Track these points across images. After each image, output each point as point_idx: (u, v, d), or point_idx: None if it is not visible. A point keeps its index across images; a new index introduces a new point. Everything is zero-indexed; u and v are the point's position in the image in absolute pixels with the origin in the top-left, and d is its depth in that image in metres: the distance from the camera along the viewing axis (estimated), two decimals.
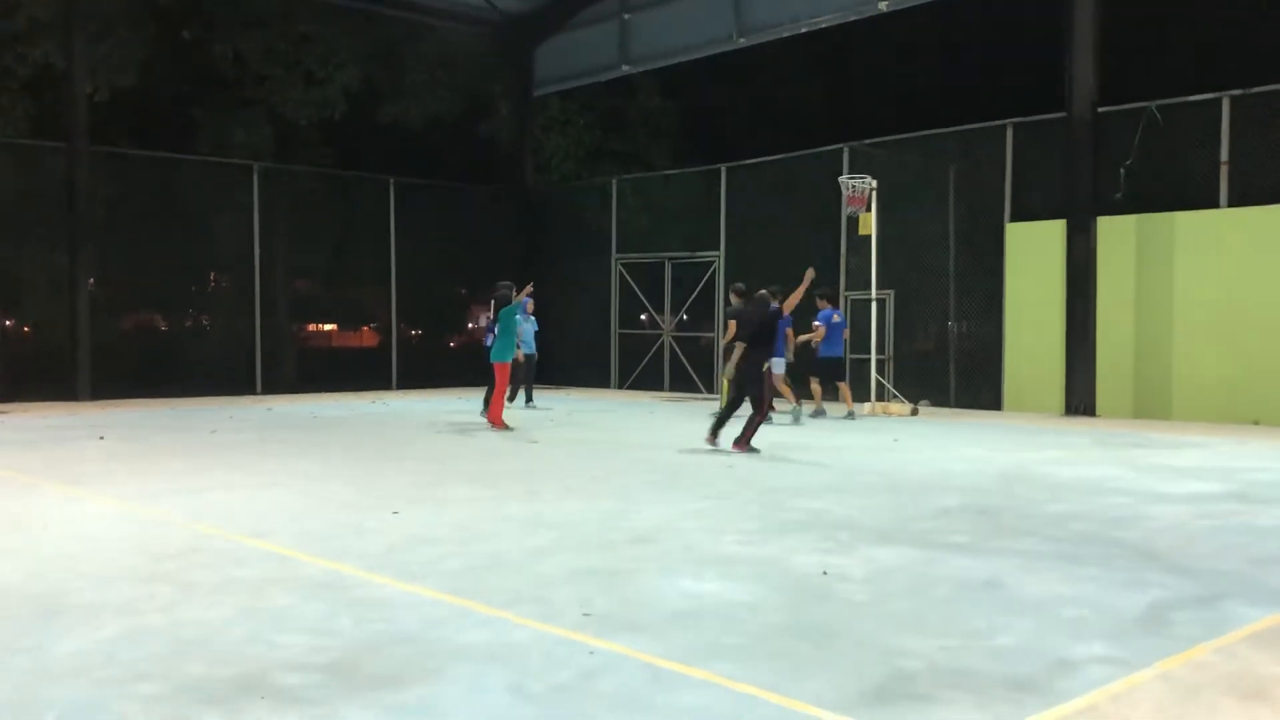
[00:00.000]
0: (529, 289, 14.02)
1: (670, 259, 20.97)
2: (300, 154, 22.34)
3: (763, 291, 11.21)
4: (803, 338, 15.04)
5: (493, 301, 13.56)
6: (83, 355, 17.47)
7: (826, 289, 15.41)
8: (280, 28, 21.25)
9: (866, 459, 10.60)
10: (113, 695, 3.85)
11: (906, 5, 17.20)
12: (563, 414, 15.68)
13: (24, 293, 18.45)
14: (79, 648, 4.39)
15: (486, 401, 13.89)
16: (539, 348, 17.13)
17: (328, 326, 25.33)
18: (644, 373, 21.44)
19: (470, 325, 25.28)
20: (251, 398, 18.74)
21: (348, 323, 25.43)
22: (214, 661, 4.21)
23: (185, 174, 19.88)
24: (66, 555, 6.13)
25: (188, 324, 21.50)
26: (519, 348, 14.70)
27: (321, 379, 20.82)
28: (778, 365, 13.98)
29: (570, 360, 22.67)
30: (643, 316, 22.06)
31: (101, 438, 12.18)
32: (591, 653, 4.31)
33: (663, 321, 21.24)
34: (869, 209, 15.57)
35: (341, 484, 8.80)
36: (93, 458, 10.47)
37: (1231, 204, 14.25)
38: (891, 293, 17.21)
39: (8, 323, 19.13)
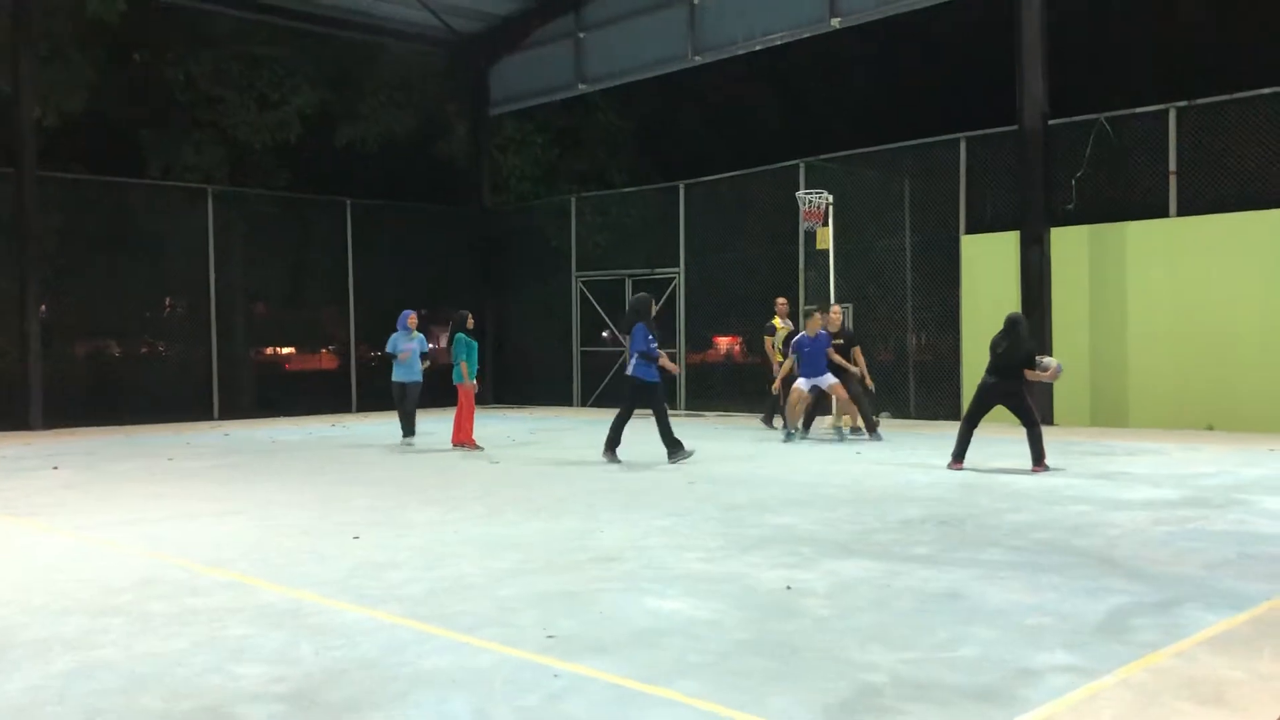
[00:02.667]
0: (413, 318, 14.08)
1: (630, 276, 20.98)
2: (255, 177, 22.13)
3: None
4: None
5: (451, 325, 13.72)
6: (35, 384, 17.15)
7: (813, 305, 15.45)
8: (232, 50, 21.09)
9: (828, 472, 10.64)
10: None
11: (859, 22, 17.37)
12: (525, 433, 15.62)
13: None
14: (29, 684, 4.29)
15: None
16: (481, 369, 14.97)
17: (285, 350, 25.03)
18: (606, 391, 21.40)
19: (431, 346, 25.10)
20: (209, 423, 18.50)
21: (306, 346, 25.14)
22: (171, 695, 4.13)
23: (138, 198, 19.62)
24: (17, 588, 6.00)
25: (143, 350, 21.17)
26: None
27: (280, 403, 20.58)
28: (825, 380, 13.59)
29: (532, 379, 22.61)
30: (604, 334, 22.04)
31: (55, 467, 11.96)
32: (556, 675, 4.28)
33: (624, 339, 21.21)
34: (826, 223, 15.68)
35: (301, 509, 8.70)
36: (46, 488, 10.28)
37: (1181, 213, 14.49)
38: (850, 306, 17.32)
39: None
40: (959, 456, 10.70)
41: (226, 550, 7.01)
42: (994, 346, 10.53)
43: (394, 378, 14.07)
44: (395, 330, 14.20)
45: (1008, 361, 10.41)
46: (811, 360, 13.54)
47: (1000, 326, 10.63)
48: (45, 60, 18.61)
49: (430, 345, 14.98)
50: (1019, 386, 10.50)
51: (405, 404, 13.98)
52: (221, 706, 3.99)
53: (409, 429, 14.03)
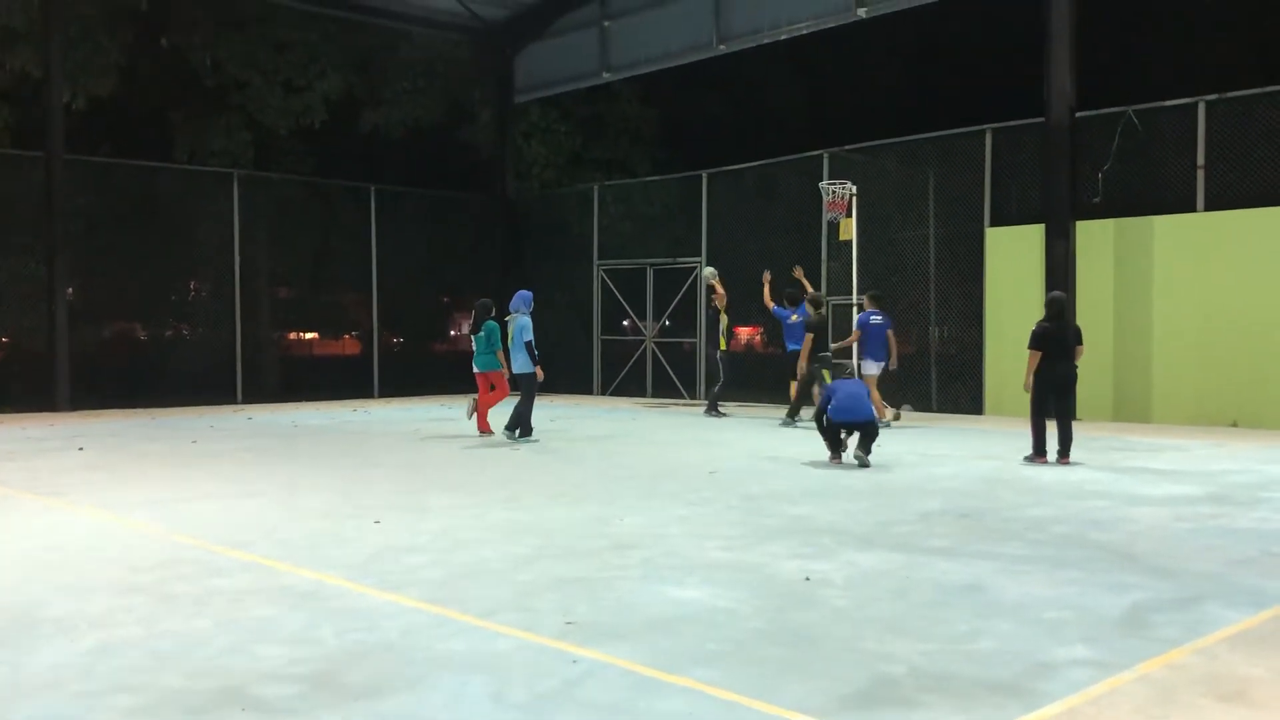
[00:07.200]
0: None
1: (652, 265, 20.97)
2: (280, 161, 22.24)
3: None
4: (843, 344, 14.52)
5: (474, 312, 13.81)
6: (61, 365, 17.32)
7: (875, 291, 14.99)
8: (259, 34, 21.18)
9: (849, 464, 10.61)
10: (90, 708, 3.81)
11: (885, 11, 17.25)
12: (544, 420, 15.65)
13: (1, 302, 18.29)
14: (55, 660, 4.35)
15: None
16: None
17: (309, 335, 25.17)
18: (626, 379, 21.43)
19: (453, 333, 25.22)
20: (232, 407, 18.63)
21: (329, 331, 25.29)
22: (193, 673, 4.18)
23: (164, 182, 19.77)
24: (43, 567, 6.07)
25: (168, 333, 21.36)
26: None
27: (303, 387, 20.72)
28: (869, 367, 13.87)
29: (552, 367, 22.58)
30: (625, 323, 22.05)
31: (81, 448, 12.08)
32: (574, 661, 4.30)
33: (645, 328, 21.24)
34: (849, 214, 15.60)
35: (322, 493, 8.76)
36: (71, 468, 10.39)
37: (1208, 208, 14.35)
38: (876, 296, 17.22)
39: None
40: (1041, 451, 10.51)
41: (248, 532, 7.06)
42: (1050, 333, 10.41)
43: (528, 369, 12.80)
44: (517, 313, 12.95)
45: (1071, 342, 10.50)
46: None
47: (1020, 319, 10.58)
48: (74, 43, 18.75)
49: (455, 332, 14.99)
50: (1074, 369, 10.65)
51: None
52: (243, 686, 4.03)
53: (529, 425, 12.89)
